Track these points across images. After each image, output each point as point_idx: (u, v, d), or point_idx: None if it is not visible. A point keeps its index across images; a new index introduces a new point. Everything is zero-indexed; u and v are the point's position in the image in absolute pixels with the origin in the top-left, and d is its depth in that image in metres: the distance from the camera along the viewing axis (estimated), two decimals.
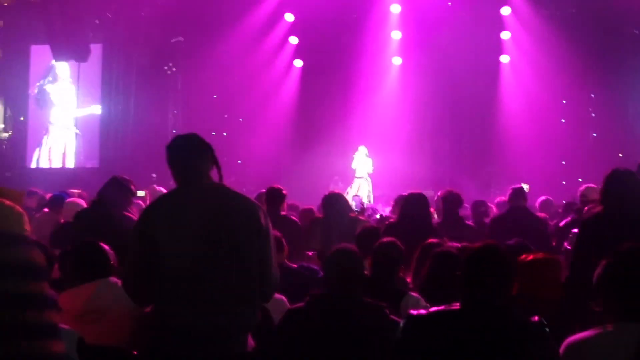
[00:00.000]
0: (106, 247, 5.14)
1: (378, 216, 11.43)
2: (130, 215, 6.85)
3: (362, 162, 20.10)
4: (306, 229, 8.36)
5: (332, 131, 21.51)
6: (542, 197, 11.98)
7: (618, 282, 3.48)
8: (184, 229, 4.07)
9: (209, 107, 21.54)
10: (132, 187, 7.09)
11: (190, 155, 4.30)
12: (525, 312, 3.57)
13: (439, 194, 8.96)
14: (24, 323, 2.36)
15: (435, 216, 9.14)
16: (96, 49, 20.21)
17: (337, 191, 8.70)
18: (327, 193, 8.66)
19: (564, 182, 19.05)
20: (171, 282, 4.04)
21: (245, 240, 4.15)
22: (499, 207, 10.85)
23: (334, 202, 8.36)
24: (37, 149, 22.23)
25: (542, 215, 10.18)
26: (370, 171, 20.20)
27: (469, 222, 8.89)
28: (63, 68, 21.80)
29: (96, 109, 21.85)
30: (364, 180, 20.04)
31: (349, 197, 17.75)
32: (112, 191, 6.95)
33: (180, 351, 4.00)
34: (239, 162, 21.13)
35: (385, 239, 5.70)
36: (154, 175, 17.79)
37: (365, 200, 18.03)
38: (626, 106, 20.10)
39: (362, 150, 20.11)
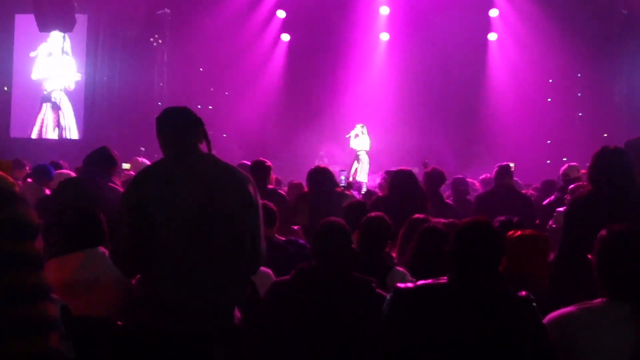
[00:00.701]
0: (100, 215, 5.07)
1: (364, 191, 11.39)
2: (115, 186, 6.77)
3: (359, 139, 19.88)
4: (293, 203, 8.31)
5: (320, 107, 21.51)
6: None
7: (609, 262, 3.50)
8: (176, 201, 4.03)
9: (195, 79, 21.43)
10: (117, 158, 7.03)
11: (181, 129, 4.27)
12: (513, 288, 3.59)
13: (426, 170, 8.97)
14: (22, 284, 2.35)
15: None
16: (81, 20, 19.99)
17: (322, 166, 8.62)
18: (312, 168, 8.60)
19: (548, 162, 19.10)
20: (163, 256, 3.99)
21: (237, 212, 4.13)
22: (484, 185, 10.86)
23: (319, 176, 8.28)
24: (35, 120, 22.02)
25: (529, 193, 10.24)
26: (367, 149, 19.97)
27: (449, 201, 9.03)
28: (56, 39, 21.56)
29: (77, 77, 21.63)
30: (362, 157, 19.79)
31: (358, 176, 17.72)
32: (98, 161, 6.88)
33: (171, 326, 3.97)
34: (225, 135, 21.02)
35: (373, 214, 5.67)
36: (143, 148, 17.71)
37: (363, 179, 17.97)
38: (613, 86, 20.14)
39: (358, 128, 19.85)
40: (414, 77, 21.43)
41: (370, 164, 19.99)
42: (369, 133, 20.02)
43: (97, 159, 6.92)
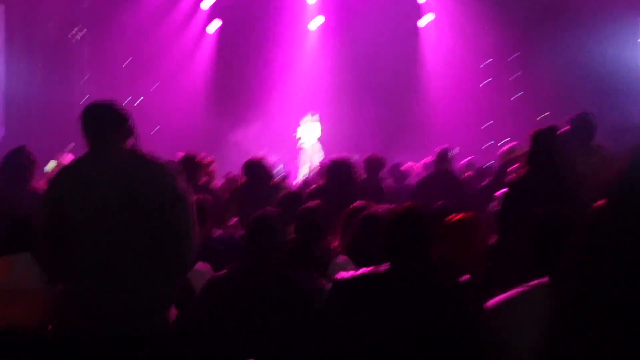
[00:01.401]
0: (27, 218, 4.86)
1: (300, 181, 11.21)
2: (38, 190, 6.46)
3: (309, 128, 18.84)
4: (227, 198, 8.23)
5: (253, 97, 21.05)
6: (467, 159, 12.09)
7: (534, 244, 3.54)
8: (93, 198, 4.00)
9: (121, 73, 20.67)
10: (35, 159, 6.78)
11: (102, 125, 4.20)
12: (451, 274, 3.64)
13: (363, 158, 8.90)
14: None
15: None
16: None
17: (257, 158, 8.50)
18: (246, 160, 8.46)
19: (492, 142, 19.09)
20: (81, 256, 3.97)
21: (161, 209, 4.05)
22: (426, 168, 10.83)
23: (253, 168, 8.19)
24: None
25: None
26: (318, 135, 18.90)
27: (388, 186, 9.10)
28: None
29: None
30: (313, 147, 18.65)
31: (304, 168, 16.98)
32: (15, 165, 6.61)
33: (95, 329, 3.90)
34: (158, 127, 20.23)
35: (309, 204, 5.64)
36: (73, 143, 16.88)
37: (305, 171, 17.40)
38: (554, 64, 20.16)
39: (308, 117, 18.86)
40: (348, 63, 21.24)
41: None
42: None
43: (13, 162, 6.61)
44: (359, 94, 21.30)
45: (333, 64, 20.95)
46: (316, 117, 18.76)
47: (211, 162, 8.91)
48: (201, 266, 5.07)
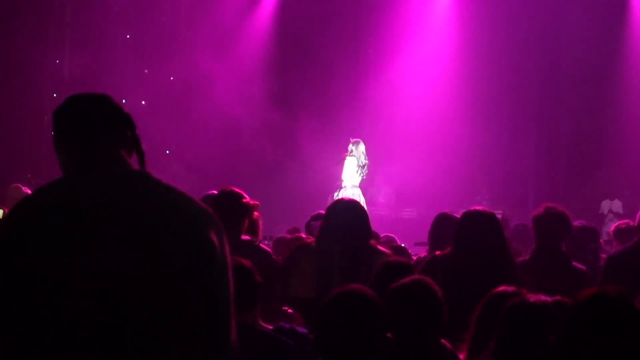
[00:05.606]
0: None
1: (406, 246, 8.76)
2: None
3: (350, 166, 15.83)
4: (285, 264, 6.41)
5: (332, 104, 17.97)
6: None
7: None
8: (80, 249, 2.76)
9: (117, 56, 17.47)
10: None
11: (94, 126, 3.06)
12: None
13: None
14: None
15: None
16: None
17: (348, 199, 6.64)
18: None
19: None
20: (54, 346, 2.73)
21: (188, 275, 2.85)
22: (619, 236, 8.13)
23: (345, 216, 6.15)
24: None
25: None
26: (359, 178, 15.91)
27: (577, 264, 6.75)
28: None
29: None
30: (350, 191, 15.63)
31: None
32: None
33: None
34: (168, 152, 17.71)
35: (410, 278, 4.40)
36: (29, 175, 14.47)
37: None
38: None
39: (355, 148, 15.92)
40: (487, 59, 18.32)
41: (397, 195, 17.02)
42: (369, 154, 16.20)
43: None
44: (519, 102, 18.29)
45: (464, 56, 18.15)
46: (359, 147, 15.79)
47: (255, 206, 7.05)
48: None
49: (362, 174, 15.44)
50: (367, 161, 15.48)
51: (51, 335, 2.79)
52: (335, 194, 15.27)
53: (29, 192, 8.01)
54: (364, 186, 16.24)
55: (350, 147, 15.57)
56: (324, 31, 18.26)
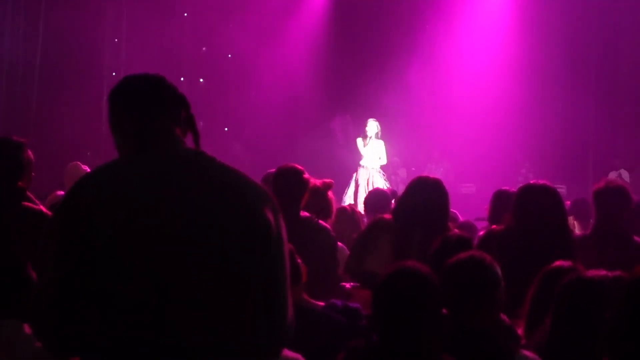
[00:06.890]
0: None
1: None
2: (31, 206, 5.26)
3: (369, 145, 15.65)
4: (360, 239, 6.36)
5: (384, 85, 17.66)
6: None
7: None
8: (144, 226, 2.79)
9: (173, 34, 17.30)
10: (30, 160, 5.42)
11: (152, 107, 3.08)
12: None
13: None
14: None
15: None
16: None
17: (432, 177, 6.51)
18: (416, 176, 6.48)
19: None
20: (118, 317, 2.76)
21: (244, 249, 2.88)
22: None
23: (424, 191, 5.97)
24: None
25: None
26: (383, 162, 15.79)
27: (638, 238, 6.44)
28: None
29: None
30: (371, 172, 15.48)
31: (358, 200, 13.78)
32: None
33: None
34: (226, 129, 17.96)
35: (466, 253, 4.15)
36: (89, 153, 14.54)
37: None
38: None
39: (371, 127, 15.67)
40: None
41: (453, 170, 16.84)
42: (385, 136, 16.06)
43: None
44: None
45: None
46: (373, 128, 15.52)
47: (330, 185, 6.92)
48: (289, 354, 3.91)
49: (380, 155, 15.36)
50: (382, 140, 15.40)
51: (114, 310, 2.82)
52: (354, 175, 15.26)
53: (88, 170, 8.13)
54: (422, 161, 16.12)
55: (375, 128, 15.37)
56: (379, 14, 18.29)
